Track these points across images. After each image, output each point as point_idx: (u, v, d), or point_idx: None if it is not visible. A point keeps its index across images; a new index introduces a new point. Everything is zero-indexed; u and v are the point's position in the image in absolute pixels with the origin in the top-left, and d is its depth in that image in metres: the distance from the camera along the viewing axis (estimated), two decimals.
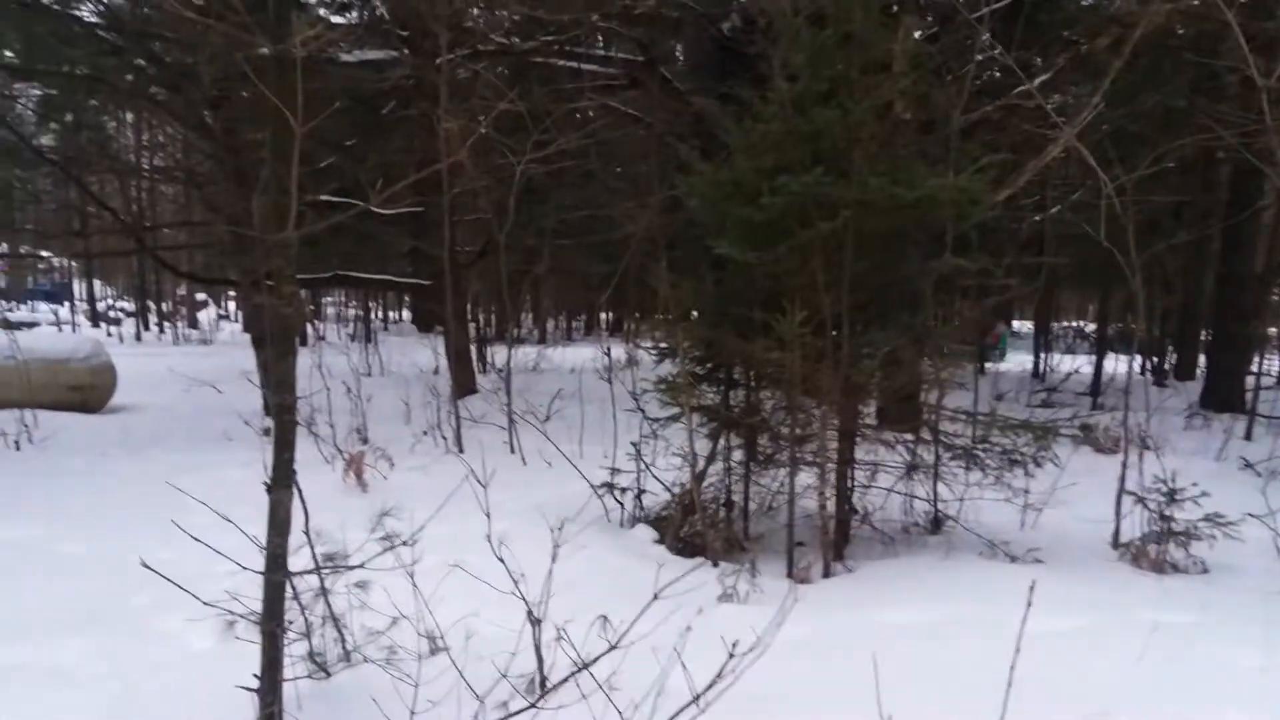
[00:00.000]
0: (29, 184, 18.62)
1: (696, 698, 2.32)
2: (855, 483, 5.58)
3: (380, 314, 31.58)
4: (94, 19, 10.16)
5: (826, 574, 4.97)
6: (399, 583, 3.17)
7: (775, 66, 5.04)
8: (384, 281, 13.34)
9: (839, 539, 5.29)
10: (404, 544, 2.74)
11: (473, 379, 11.47)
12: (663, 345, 5.69)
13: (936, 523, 5.61)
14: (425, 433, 8.82)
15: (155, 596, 4.04)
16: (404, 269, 16.61)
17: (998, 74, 8.34)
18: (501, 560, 3.23)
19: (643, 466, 5.96)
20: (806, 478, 5.39)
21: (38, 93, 14.33)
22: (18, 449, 8.19)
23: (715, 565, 4.93)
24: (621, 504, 5.90)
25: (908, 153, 5.22)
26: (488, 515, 3.74)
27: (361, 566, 2.73)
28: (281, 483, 2.19)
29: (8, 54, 12.08)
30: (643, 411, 6.15)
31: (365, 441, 8.07)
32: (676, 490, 5.71)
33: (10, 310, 22.52)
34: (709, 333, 5.29)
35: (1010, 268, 5.71)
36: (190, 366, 14.29)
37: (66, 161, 12.28)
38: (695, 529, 5.44)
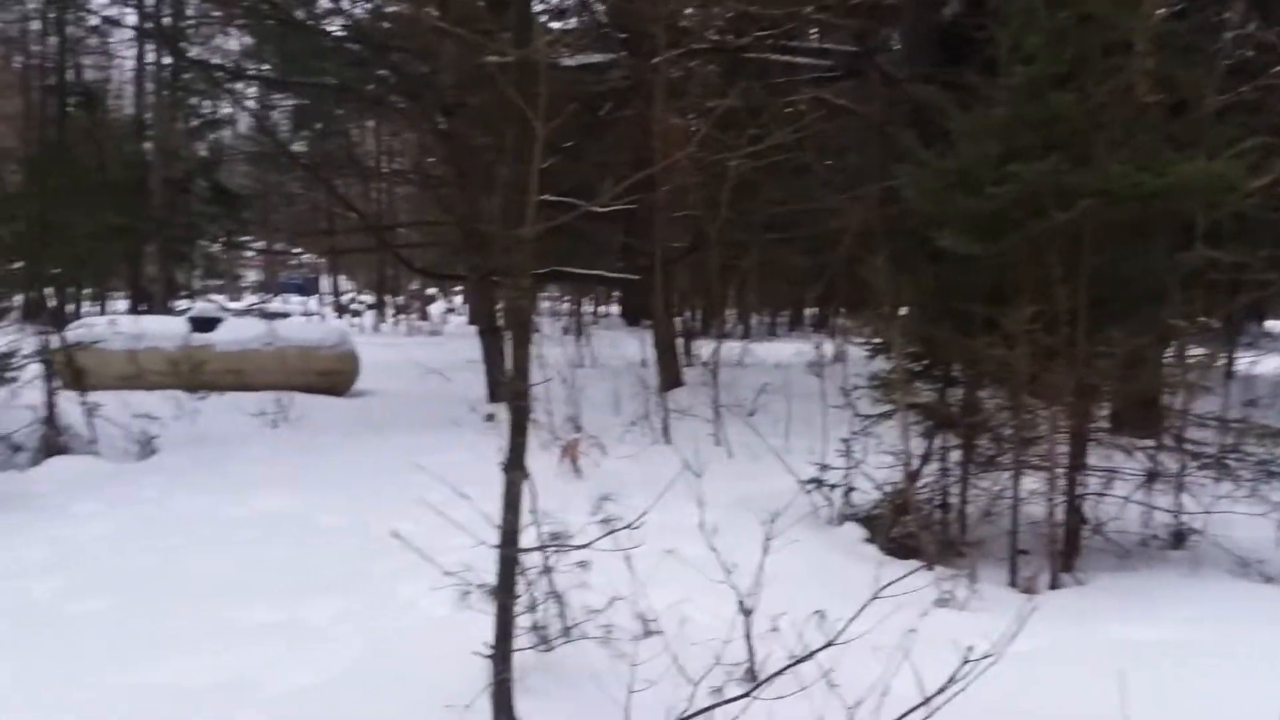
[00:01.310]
0: (283, 187, 20.62)
1: (927, 700, 2.26)
2: (1087, 490, 5.23)
3: (591, 307, 32.60)
4: (342, 34, 11.09)
5: (1054, 585, 4.70)
6: (615, 564, 3.28)
7: (1003, 50, 4.80)
8: (597, 277, 13.76)
9: (1068, 549, 4.98)
10: (628, 528, 2.83)
11: (679, 372, 11.63)
12: (876, 340, 5.56)
13: (1179, 536, 5.16)
14: (634, 423, 9.02)
15: (397, 565, 4.35)
16: (614, 264, 17.08)
17: (1251, 53, 7.54)
18: (714, 550, 3.27)
19: (853, 463, 5.85)
20: (1031, 482, 5.12)
21: (292, 103, 15.79)
22: (275, 427, 9.09)
23: (930, 568, 4.76)
24: (830, 500, 5.82)
25: (1153, 137, 4.83)
26: (700, 505, 3.80)
27: (586, 547, 2.85)
28: (515, 464, 2.33)
29: (266, 67, 13.39)
30: (853, 408, 6.03)
31: (579, 429, 8.35)
32: (888, 489, 5.57)
33: (267, 302, 25.03)
34: (927, 328, 5.12)
35: (1269, 261, 5.16)
36: (422, 355, 15.31)
37: (316, 166, 13.46)
38: (908, 530, 5.28)
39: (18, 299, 7.92)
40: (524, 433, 2.33)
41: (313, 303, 31.12)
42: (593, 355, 15.18)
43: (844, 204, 9.47)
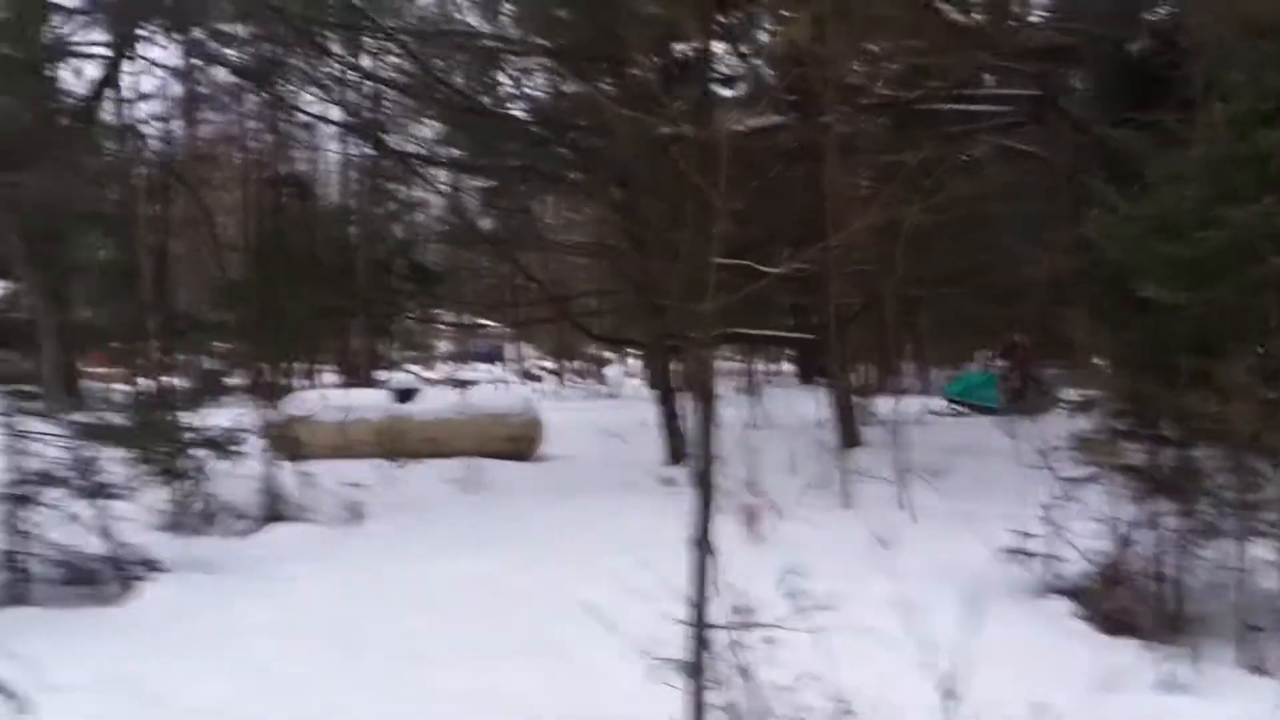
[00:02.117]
0: (472, 262, 21.84)
1: None
2: None
3: (763, 366, 32.46)
4: (524, 116, 11.73)
5: None
6: (804, 640, 3.20)
7: (1199, 87, 4.54)
8: (770, 337, 13.69)
9: None
10: (821, 609, 2.77)
11: (858, 431, 11.35)
12: (1077, 398, 5.26)
13: None
14: (812, 485, 8.83)
15: (584, 631, 4.43)
16: (785, 322, 16.94)
17: None
18: (910, 627, 3.16)
19: (1056, 530, 5.50)
20: (1260, 551, 4.67)
21: (479, 184, 16.76)
22: (468, 493, 9.49)
23: (1148, 646, 4.40)
24: (1032, 571, 5.49)
25: None
26: (891, 577, 3.69)
27: (779, 627, 2.80)
28: (702, 539, 2.34)
29: (456, 153, 14.29)
30: (1052, 469, 5.70)
31: (756, 493, 8.26)
32: (1097, 559, 5.20)
33: (458, 371, 26.38)
34: (1132, 384, 4.80)
35: None
36: (600, 419, 15.65)
37: (502, 242, 14.19)
38: (1121, 604, 4.91)
39: (240, 378, 8.70)
40: (710, 507, 2.34)
41: (499, 370, 32.49)
42: (767, 415, 15.03)
43: (1030, 253, 9.05)
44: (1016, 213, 11.07)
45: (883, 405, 13.24)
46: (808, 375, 25.97)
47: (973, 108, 9.71)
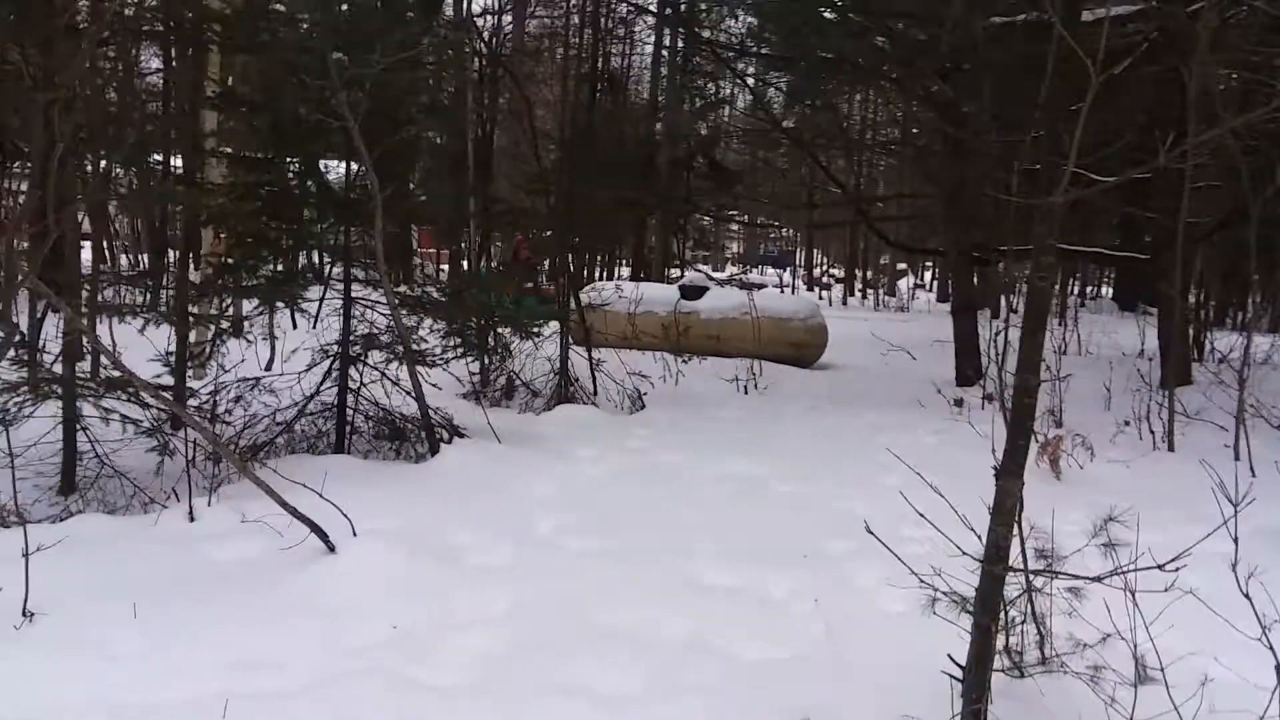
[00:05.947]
0: (772, 162, 21.50)
1: None
2: None
3: (1076, 289, 29.62)
4: (842, 4, 11.04)
5: None
6: (1113, 595, 2.82)
7: None
8: (1094, 254, 12.34)
9: None
10: (1158, 568, 2.37)
11: (1188, 367, 10.04)
12: None
13: None
14: (1127, 423, 7.97)
15: (853, 546, 4.28)
16: (1110, 240, 15.22)
17: None
18: (1248, 597, 2.68)
19: None
20: None
21: (786, 79, 16.28)
22: (745, 393, 9.50)
23: None
24: None
25: None
26: (1222, 536, 3.15)
27: (1097, 580, 2.46)
28: (1012, 471, 2.06)
29: (765, 48, 13.84)
30: None
31: (1059, 425, 7.59)
32: None
33: (746, 273, 26.43)
34: None
35: None
36: (888, 332, 15.07)
37: (805, 140, 13.72)
38: None
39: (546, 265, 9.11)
40: (1027, 435, 2.03)
41: (786, 274, 32.20)
42: (1080, 342, 13.72)
43: None
44: None
45: (1222, 340, 11.67)
46: (1129, 301, 23.35)
47: None
